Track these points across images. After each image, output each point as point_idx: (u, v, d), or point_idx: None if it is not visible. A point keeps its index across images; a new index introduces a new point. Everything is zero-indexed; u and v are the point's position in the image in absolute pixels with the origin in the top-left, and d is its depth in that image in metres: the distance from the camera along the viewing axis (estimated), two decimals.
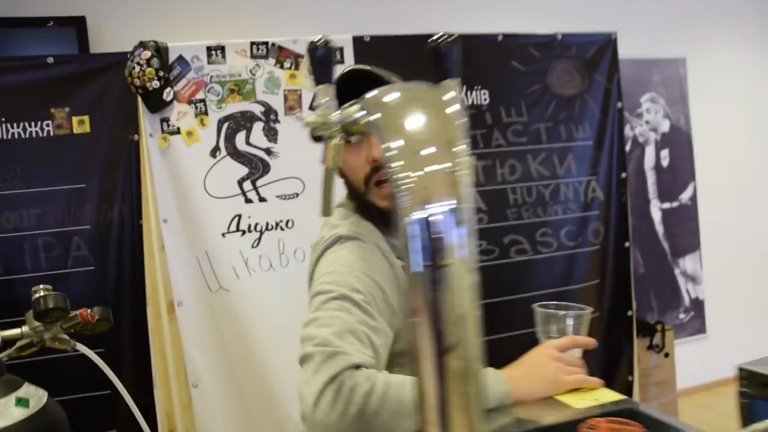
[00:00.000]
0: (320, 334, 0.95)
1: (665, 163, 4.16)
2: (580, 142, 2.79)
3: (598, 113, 2.82)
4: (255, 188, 2.35)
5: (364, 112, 0.65)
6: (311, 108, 0.87)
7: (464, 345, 0.53)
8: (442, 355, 0.53)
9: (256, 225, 2.35)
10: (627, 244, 2.89)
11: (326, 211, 0.87)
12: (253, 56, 2.35)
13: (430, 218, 0.53)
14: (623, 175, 2.87)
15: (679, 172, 4.22)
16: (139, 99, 2.23)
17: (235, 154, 2.34)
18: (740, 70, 4.56)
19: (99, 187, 2.25)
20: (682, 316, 4.18)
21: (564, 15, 3.91)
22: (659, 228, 4.14)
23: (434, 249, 0.52)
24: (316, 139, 1.01)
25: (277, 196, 2.37)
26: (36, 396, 0.87)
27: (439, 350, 0.53)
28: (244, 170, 2.34)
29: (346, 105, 0.74)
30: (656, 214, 4.13)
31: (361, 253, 1.13)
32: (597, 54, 2.82)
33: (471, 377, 0.53)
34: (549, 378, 1.05)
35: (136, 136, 2.27)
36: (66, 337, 1.10)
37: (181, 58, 2.27)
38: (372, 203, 1.20)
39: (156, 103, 2.23)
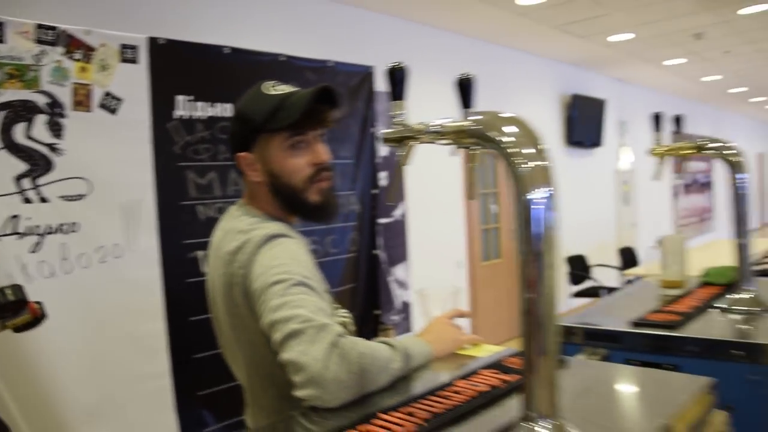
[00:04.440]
0: (299, 313, 1.06)
1: (383, 183, 4.74)
2: (343, 160, 3.11)
3: (357, 136, 3.17)
4: (35, 187, 2.15)
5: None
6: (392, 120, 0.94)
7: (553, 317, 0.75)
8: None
9: (36, 227, 2.14)
10: (375, 251, 3.29)
11: (391, 198, 1.02)
12: (39, 41, 2.15)
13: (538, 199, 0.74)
14: (374, 191, 3.27)
15: (393, 192, 4.85)
16: None
17: (13, 148, 2.10)
18: (443, 107, 5.45)
19: None
20: (395, 317, 4.78)
21: (334, 46, 4.33)
22: (379, 240, 4.69)
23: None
24: (391, 143, 1.08)
25: (61, 197, 2.19)
26: None
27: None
28: (22, 166, 2.12)
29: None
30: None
31: (294, 247, 1.26)
32: (359, 83, 3.18)
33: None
34: (452, 339, 1.33)
35: None
36: None
37: None
38: (306, 200, 1.32)
39: None
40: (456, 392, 1.01)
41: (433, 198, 5.37)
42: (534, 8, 5.23)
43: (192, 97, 2.53)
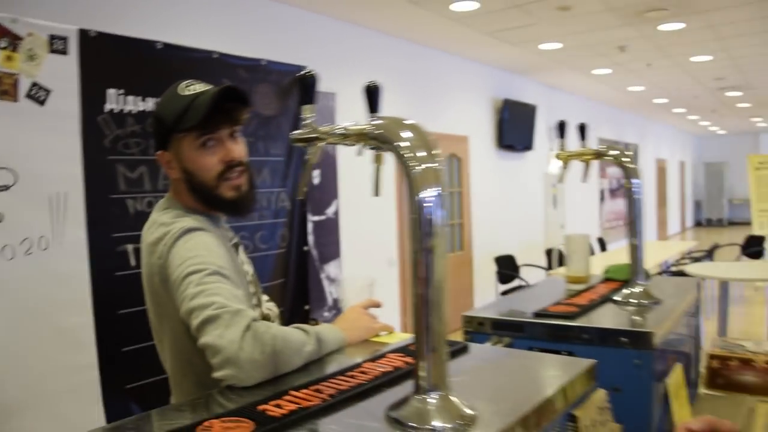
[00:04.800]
0: (215, 300, 1.14)
1: (317, 181, 4.82)
2: (274, 157, 3.17)
3: (289, 134, 3.23)
4: None
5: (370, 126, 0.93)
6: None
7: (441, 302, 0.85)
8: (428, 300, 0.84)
9: None
10: (306, 248, 3.36)
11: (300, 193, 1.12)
12: None
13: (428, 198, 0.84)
14: (305, 188, 3.34)
15: (326, 190, 4.92)
16: None
17: None
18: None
19: None
20: (326, 314, 4.85)
21: (269, 44, 4.37)
22: (311, 238, 4.76)
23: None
24: (300, 143, 1.15)
25: None
26: None
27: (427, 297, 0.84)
28: None
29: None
30: (309, 226, 4.75)
31: (209, 239, 1.33)
32: (291, 82, 3.24)
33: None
34: (365, 326, 1.43)
35: None
36: None
37: None
38: (220, 195, 1.39)
39: None
40: (362, 372, 1.11)
41: (366, 197, 5.46)
42: (467, 15, 5.40)
43: (123, 91, 2.55)
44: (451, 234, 7.13)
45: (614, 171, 12.73)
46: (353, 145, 0.99)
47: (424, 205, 0.85)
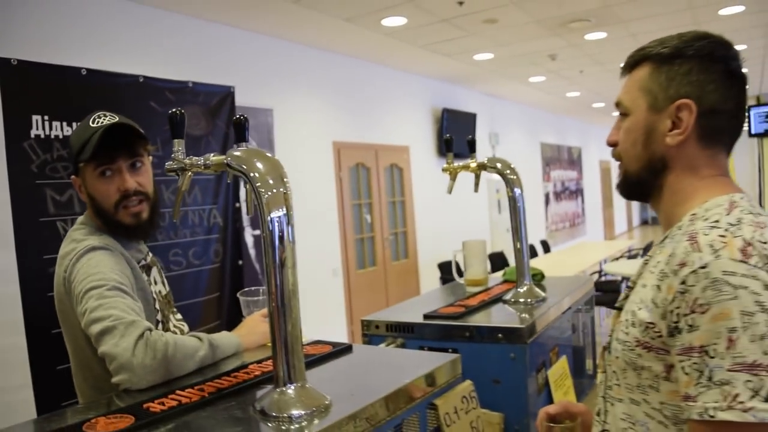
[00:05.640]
0: (112, 313, 1.27)
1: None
2: (204, 176, 3.28)
3: (219, 153, 3.35)
4: None
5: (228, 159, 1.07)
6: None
7: (293, 306, 1.00)
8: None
9: None
10: (240, 262, 3.48)
11: (175, 216, 1.23)
12: None
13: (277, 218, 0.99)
14: (237, 204, 3.46)
15: None
16: None
17: None
18: (314, 122, 5.74)
19: None
20: None
21: (199, 64, 4.47)
22: (252, 251, 4.87)
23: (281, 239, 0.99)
24: (173, 173, 1.29)
25: None
26: None
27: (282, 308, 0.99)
28: None
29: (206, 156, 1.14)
30: (249, 239, 4.86)
31: (111, 257, 1.47)
32: (219, 102, 3.37)
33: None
34: (263, 332, 1.55)
35: None
36: None
37: None
38: (119, 220, 1.52)
39: None
40: (246, 373, 1.25)
41: (307, 209, 5.61)
42: (398, 30, 5.60)
43: (48, 117, 2.63)
44: (395, 242, 7.30)
45: (558, 174, 13.12)
46: (217, 173, 1.13)
47: (275, 224, 1.00)
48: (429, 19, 5.33)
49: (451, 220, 8.28)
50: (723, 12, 5.93)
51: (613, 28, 6.18)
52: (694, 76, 1.01)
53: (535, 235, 10.75)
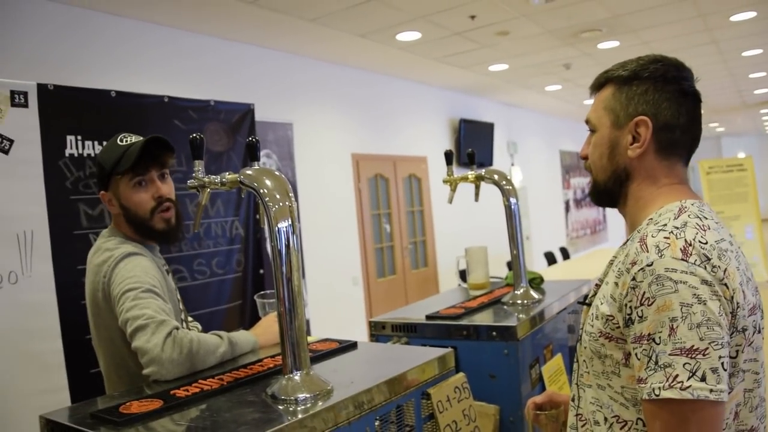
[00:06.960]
0: (145, 312, 1.44)
1: None
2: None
3: (239, 167, 3.53)
4: None
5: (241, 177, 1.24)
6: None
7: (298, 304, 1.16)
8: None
9: None
10: (261, 271, 3.65)
11: (195, 227, 1.40)
12: None
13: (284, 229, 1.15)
14: (257, 216, 3.64)
15: None
16: None
17: None
18: (333, 134, 5.92)
19: None
20: None
21: (213, 85, 4.70)
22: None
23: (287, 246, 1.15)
24: (194, 189, 1.46)
25: None
26: None
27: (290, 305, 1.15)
28: None
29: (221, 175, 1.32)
30: (270, 249, 5.05)
31: (145, 263, 1.64)
32: (239, 119, 3.55)
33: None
34: (276, 332, 1.69)
35: None
36: None
37: None
38: (153, 226, 1.69)
39: None
40: (261, 366, 1.41)
41: (327, 219, 5.79)
42: (413, 44, 5.77)
43: (81, 137, 2.84)
44: (415, 251, 7.45)
45: (578, 181, 13.16)
46: (231, 189, 1.30)
47: (282, 234, 1.16)
48: (442, 33, 5.50)
49: (471, 228, 8.40)
50: (735, 18, 5.97)
51: (624, 36, 6.28)
52: (650, 95, 1.15)
53: (555, 242, 10.81)
